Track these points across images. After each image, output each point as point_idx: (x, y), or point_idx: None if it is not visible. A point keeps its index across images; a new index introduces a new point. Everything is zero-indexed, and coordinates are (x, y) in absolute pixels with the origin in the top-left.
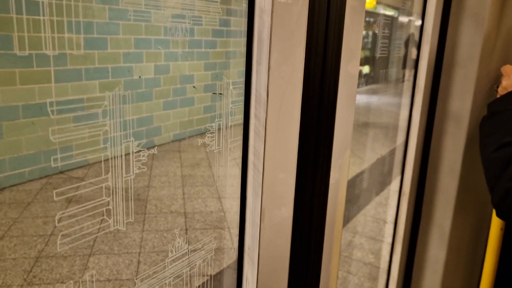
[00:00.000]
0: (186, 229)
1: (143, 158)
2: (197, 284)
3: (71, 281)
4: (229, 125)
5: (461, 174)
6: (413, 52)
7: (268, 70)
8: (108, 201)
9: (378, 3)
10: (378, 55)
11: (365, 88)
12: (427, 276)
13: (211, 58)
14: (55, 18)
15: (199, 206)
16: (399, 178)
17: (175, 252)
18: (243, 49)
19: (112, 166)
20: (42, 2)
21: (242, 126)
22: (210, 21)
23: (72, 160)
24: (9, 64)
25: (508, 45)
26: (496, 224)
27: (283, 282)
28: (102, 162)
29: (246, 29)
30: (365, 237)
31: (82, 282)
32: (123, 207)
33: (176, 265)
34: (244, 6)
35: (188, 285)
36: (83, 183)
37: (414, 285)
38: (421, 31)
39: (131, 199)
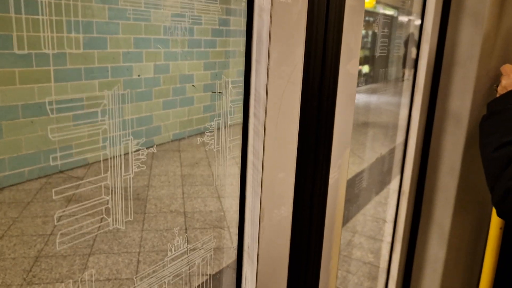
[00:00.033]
0: (186, 229)
1: (142, 157)
2: (197, 284)
3: (70, 280)
4: (228, 124)
5: (460, 173)
6: (412, 51)
7: (268, 69)
8: (107, 200)
9: (377, 2)
10: (377, 54)
11: (364, 87)
12: (427, 275)
13: (211, 58)
14: (54, 18)
15: (199, 205)
16: (398, 177)
17: (174, 251)
18: (242, 49)
19: (111, 165)
20: (42, 2)
21: (241, 125)
22: (209, 21)
23: (71, 158)
24: (9, 63)
25: (507, 44)
26: (495, 223)
27: (282, 282)
28: (101, 162)
29: (245, 28)
30: (365, 236)
31: (81, 281)
32: (122, 206)
33: (175, 264)
34: (244, 5)
35: (188, 284)
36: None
37: (413, 284)
38: (421, 30)
39: (130, 198)
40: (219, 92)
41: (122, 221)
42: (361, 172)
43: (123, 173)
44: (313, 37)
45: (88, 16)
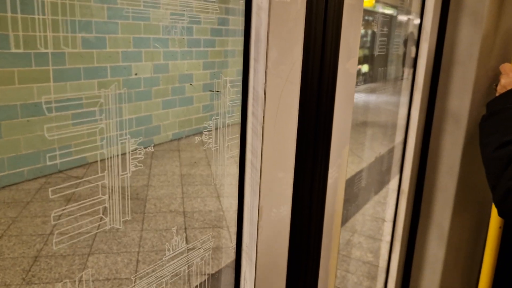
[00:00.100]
0: (185, 228)
1: (140, 156)
2: (196, 283)
3: (67, 280)
4: (227, 123)
5: (460, 172)
6: (412, 50)
7: (266, 68)
8: (105, 200)
9: (377, 1)
10: (376, 53)
11: (363, 86)
12: (426, 274)
13: (210, 57)
14: (50, 17)
15: (198, 205)
16: (398, 176)
17: (172, 250)
18: (241, 48)
19: (108, 164)
20: (42, 2)
21: (240, 125)
22: (208, 20)
23: (69, 157)
24: (8, 63)
25: (506, 43)
26: (495, 222)
27: (281, 281)
28: (98, 161)
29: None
30: (364, 236)
31: (80, 281)
32: (119, 205)
33: (174, 263)
34: (242, 4)
35: (187, 284)
36: (80, 181)
37: (413, 284)
38: (420, 29)
39: (128, 197)
40: (217, 91)
41: (120, 221)
42: (360, 171)
43: (120, 172)
44: (311, 36)
45: (87, 15)
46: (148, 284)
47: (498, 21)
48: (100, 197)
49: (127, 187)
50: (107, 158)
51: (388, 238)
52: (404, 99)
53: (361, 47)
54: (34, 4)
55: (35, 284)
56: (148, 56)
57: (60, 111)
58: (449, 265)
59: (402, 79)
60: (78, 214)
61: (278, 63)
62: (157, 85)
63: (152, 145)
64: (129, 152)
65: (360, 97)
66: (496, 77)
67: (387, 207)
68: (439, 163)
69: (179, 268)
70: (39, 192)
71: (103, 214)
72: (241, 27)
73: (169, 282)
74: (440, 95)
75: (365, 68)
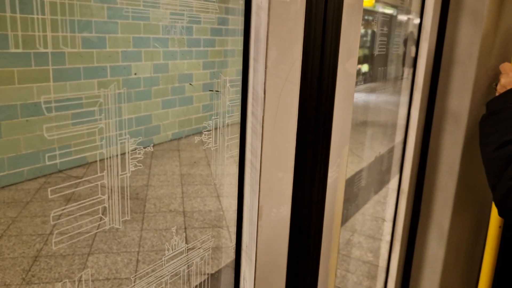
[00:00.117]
0: (185, 228)
1: (139, 156)
2: (196, 283)
3: (67, 280)
4: (227, 123)
5: (459, 172)
6: (411, 50)
7: (265, 68)
8: (104, 199)
9: (376, 1)
10: (376, 53)
11: (363, 86)
12: (426, 274)
13: (210, 57)
14: (49, 17)
15: (198, 205)
16: (397, 176)
17: (172, 250)
18: (241, 48)
19: (107, 164)
20: (42, 1)
21: (239, 124)
22: (208, 20)
23: (69, 157)
24: (7, 63)
25: (506, 43)
26: (494, 222)
27: (281, 281)
28: (98, 161)
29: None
30: (364, 235)
31: (80, 281)
32: (119, 205)
33: (173, 263)
34: (242, 3)
35: (187, 283)
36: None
37: (413, 283)
38: (420, 29)
39: (127, 197)
40: (217, 91)
41: (119, 221)
42: (360, 171)
43: (120, 172)
44: (311, 36)
45: (87, 15)
46: (148, 284)
47: (498, 20)
48: (100, 197)
49: (127, 187)
50: (107, 158)
51: (388, 237)
52: (404, 98)
53: (361, 46)
54: (33, 4)
55: (35, 284)
56: (147, 56)
57: (60, 111)
58: (449, 265)
59: (402, 78)
60: (78, 214)
61: (277, 62)
62: (156, 84)
63: (152, 145)
64: (128, 152)
65: (360, 97)
66: (496, 77)
67: (387, 207)
68: (439, 163)
69: (179, 268)
70: (38, 192)
71: (102, 214)
72: (240, 26)
73: (168, 282)
74: (440, 95)
75: (365, 67)
